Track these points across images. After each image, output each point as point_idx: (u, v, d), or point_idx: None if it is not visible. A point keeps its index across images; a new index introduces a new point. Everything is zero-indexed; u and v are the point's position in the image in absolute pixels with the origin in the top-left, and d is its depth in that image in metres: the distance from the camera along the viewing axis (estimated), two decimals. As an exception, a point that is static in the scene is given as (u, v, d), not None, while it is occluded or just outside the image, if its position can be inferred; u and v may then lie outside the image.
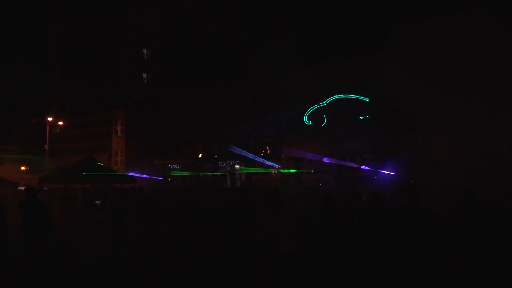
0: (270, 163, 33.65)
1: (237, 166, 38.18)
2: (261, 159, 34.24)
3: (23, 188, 25.02)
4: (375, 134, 28.26)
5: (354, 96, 31.16)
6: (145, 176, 33.02)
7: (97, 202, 14.45)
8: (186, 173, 38.09)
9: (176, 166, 40.33)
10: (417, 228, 4.00)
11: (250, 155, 34.54)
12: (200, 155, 39.89)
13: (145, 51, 56.56)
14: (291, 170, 32.74)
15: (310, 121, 33.47)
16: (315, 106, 33.14)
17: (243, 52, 49.24)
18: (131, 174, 34.96)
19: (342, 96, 31.71)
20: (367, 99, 30.30)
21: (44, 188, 17.31)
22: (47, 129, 37.15)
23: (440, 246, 4.01)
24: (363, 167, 29.24)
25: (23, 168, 48.15)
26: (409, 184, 4.25)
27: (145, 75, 56.12)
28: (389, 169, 28.81)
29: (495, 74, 23.77)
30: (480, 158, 23.55)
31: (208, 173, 37.78)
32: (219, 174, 38.29)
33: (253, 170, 34.79)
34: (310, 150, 32.03)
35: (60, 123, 43.26)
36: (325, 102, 32.87)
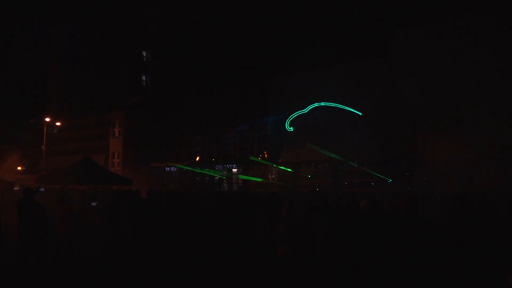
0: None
1: (235, 170, 38.17)
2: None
3: (17, 188, 24.96)
4: (374, 139, 28.27)
5: (341, 106, 31.39)
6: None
7: (94, 203, 14.40)
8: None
9: (174, 168, 40.26)
10: (415, 234, 4.01)
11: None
12: (197, 158, 39.86)
13: (144, 53, 56.57)
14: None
15: (291, 128, 33.74)
16: (298, 112, 33.30)
17: (242, 55, 49.33)
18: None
19: (333, 104, 31.84)
20: (360, 113, 30.47)
21: (41, 189, 17.26)
22: (45, 130, 37.10)
23: (437, 253, 4.03)
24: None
25: (19, 168, 47.99)
26: (408, 191, 4.26)
27: (144, 77, 56.10)
28: (387, 175, 28.87)
29: (496, 78, 23.82)
30: (479, 165, 23.59)
31: (206, 173, 37.77)
32: (216, 177, 38.26)
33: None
34: (308, 154, 32.04)
35: (58, 123, 43.18)
36: (306, 109, 33.03)
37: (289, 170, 32.79)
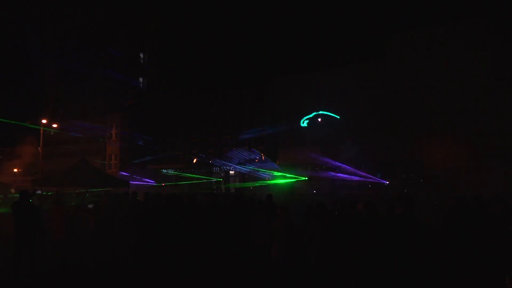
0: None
1: (232, 172, 38.15)
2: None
3: (13, 191, 24.86)
4: (370, 142, 28.34)
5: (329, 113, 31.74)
6: (137, 181, 33.04)
7: (90, 206, 14.34)
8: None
9: (170, 171, 40.20)
10: (412, 238, 4.01)
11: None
12: (194, 161, 39.81)
13: (141, 55, 56.52)
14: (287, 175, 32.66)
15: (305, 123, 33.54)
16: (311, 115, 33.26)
17: (239, 57, 49.38)
18: (123, 173, 35.03)
19: (321, 112, 32.16)
20: (338, 117, 30.77)
21: (37, 191, 17.18)
22: (41, 132, 36.95)
23: (434, 255, 4.03)
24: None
25: (15, 170, 47.83)
26: (405, 194, 4.25)
27: (141, 80, 56.02)
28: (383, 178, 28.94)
29: (491, 83, 23.93)
30: (475, 168, 23.68)
31: (203, 176, 37.75)
32: (213, 179, 38.22)
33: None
34: (305, 157, 32.06)
35: (55, 125, 43.03)
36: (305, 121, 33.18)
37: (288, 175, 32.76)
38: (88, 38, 52.45)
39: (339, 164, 30.37)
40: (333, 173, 31.27)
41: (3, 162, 46.11)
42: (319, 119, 32.57)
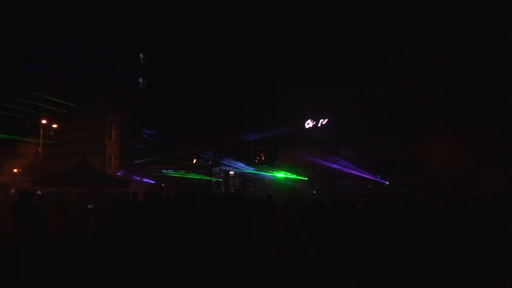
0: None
1: (231, 172, 38.12)
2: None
3: (13, 191, 24.81)
4: (370, 142, 28.32)
5: None
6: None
7: (90, 206, 14.35)
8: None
9: (170, 171, 40.17)
10: (412, 238, 4.01)
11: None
12: (194, 161, 39.78)
13: (141, 55, 56.48)
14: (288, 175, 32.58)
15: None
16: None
17: (239, 57, 49.35)
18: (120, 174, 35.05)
19: None
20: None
21: (37, 192, 17.17)
22: (41, 132, 36.97)
23: (434, 257, 4.03)
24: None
25: (15, 170, 47.77)
26: (405, 194, 4.25)
27: (140, 80, 55.96)
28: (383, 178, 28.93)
29: (491, 83, 23.90)
30: (475, 168, 23.66)
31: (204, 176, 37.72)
32: (213, 179, 38.19)
33: None
34: (305, 157, 32.02)
35: (54, 126, 43.01)
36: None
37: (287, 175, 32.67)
38: (88, 38, 52.38)
39: (339, 165, 30.32)
40: (332, 174, 31.25)
41: (3, 162, 46.08)
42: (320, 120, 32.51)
